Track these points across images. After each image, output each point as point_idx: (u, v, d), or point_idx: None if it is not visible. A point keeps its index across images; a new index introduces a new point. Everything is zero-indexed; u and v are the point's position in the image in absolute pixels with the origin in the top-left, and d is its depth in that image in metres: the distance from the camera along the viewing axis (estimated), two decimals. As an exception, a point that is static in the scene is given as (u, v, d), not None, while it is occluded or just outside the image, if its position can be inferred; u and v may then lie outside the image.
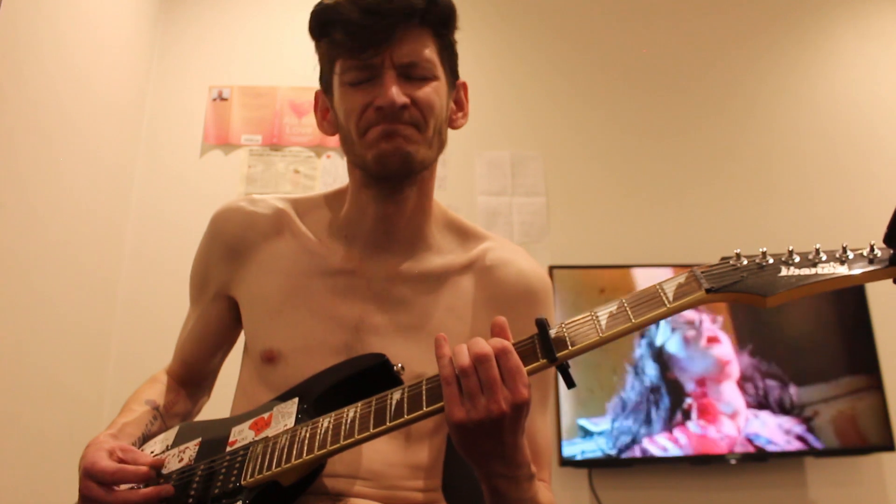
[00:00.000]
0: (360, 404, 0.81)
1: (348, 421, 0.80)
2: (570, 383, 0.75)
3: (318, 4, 0.96)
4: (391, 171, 0.94)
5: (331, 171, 2.64)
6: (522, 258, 1.05)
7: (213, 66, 2.78)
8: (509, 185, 2.69)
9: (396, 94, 0.90)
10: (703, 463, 2.33)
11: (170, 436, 0.98)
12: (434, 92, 0.95)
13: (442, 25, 0.97)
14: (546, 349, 0.75)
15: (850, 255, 0.70)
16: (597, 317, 0.76)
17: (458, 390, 0.74)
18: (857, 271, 0.69)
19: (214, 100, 2.72)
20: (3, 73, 1.75)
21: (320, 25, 0.96)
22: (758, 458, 2.33)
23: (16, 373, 1.82)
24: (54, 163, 2.00)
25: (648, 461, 2.31)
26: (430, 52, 0.95)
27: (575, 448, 2.29)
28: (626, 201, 2.71)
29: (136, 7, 2.61)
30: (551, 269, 2.47)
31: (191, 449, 0.92)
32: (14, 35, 1.79)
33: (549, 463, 1.00)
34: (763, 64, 2.91)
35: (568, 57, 2.88)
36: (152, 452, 0.96)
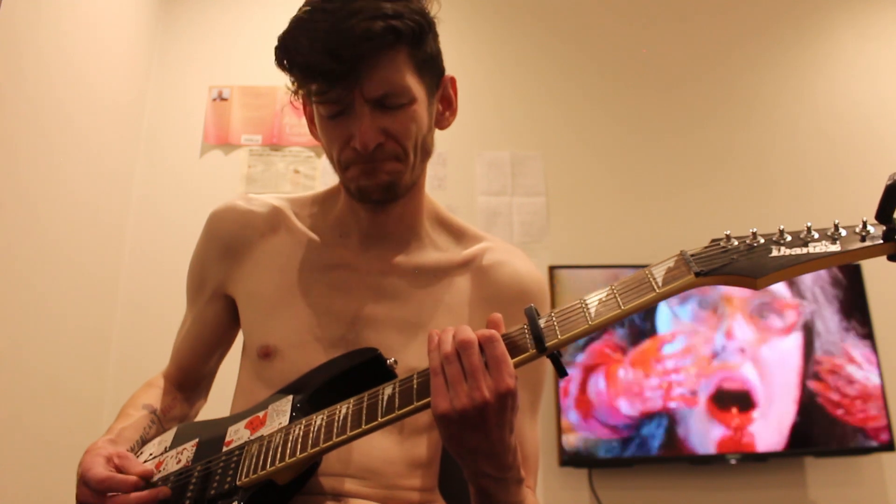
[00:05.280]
0: (352, 400, 0.81)
1: (341, 418, 0.80)
2: (562, 372, 0.75)
3: (280, 38, 0.90)
4: (375, 199, 0.96)
5: (331, 171, 2.59)
6: (519, 260, 1.05)
7: (213, 66, 2.78)
8: (509, 185, 2.69)
9: (369, 138, 0.89)
10: (703, 463, 2.33)
11: (168, 437, 0.98)
12: (410, 119, 0.92)
13: (412, 43, 0.91)
14: (536, 339, 0.74)
15: (843, 232, 0.68)
16: (586, 304, 0.74)
17: (444, 381, 0.73)
18: (849, 249, 0.67)
19: (214, 100, 2.73)
20: (3, 73, 1.75)
21: (286, 63, 0.90)
22: (758, 459, 2.32)
23: (16, 373, 1.83)
24: (54, 163, 2.00)
25: (648, 461, 2.31)
26: (404, 75, 0.91)
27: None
28: (627, 201, 2.71)
29: (136, 7, 2.61)
30: (551, 269, 2.47)
31: (188, 450, 0.92)
32: (14, 35, 1.79)
33: (535, 469, 0.99)
34: (763, 63, 2.91)
35: (568, 57, 2.88)
36: (151, 454, 0.96)
